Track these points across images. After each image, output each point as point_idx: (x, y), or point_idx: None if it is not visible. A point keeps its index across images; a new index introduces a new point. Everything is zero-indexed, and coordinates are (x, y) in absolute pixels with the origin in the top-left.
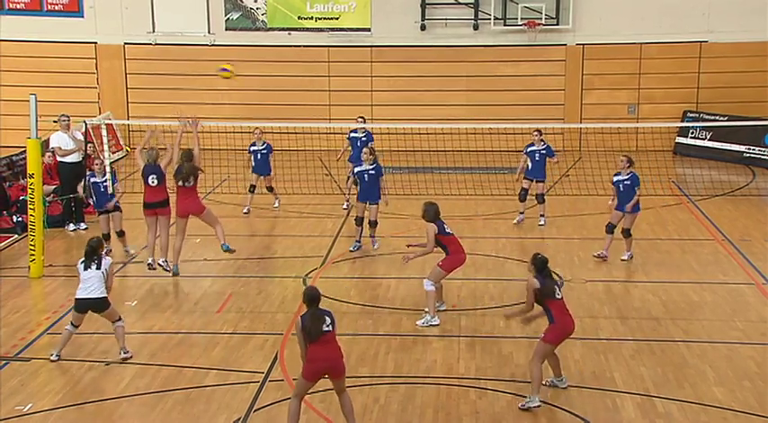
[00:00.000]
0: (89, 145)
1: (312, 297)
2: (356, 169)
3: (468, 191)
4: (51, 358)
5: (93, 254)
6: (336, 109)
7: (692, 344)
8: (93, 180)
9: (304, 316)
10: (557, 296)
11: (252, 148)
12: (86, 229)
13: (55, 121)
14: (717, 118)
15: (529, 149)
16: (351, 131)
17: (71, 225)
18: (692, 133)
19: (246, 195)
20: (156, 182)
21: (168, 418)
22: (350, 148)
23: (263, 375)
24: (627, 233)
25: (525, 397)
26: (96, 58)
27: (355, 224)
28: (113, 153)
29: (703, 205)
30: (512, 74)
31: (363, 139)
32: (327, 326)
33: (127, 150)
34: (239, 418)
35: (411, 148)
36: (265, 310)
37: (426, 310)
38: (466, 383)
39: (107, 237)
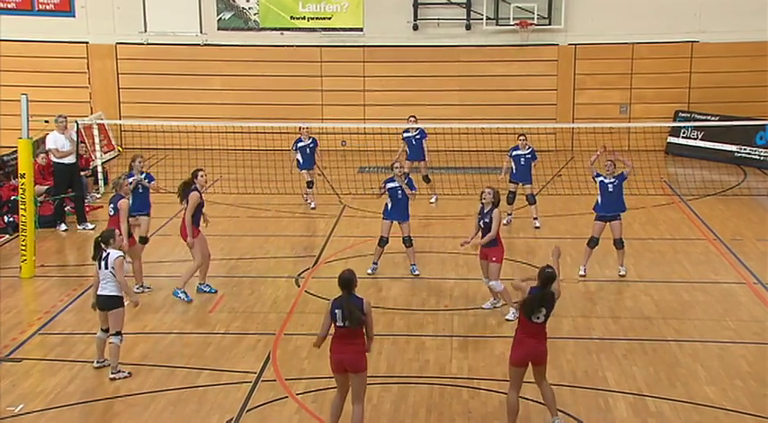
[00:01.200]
0: (81, 145)
1: (346, 281)
2: (388, 185)
3: (460, 191)
4: (95, 366)
5: (97, 249)
6: (329, 109)
7: (684, 343)
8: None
9: (335, 299)
10: (532, 319)
11: (299, 144)
12: (94, 228)
13: (46, 121)
14: (708, 118)
15: (514, 153)
16: (404, 131)
17: (62, 225)
18: (684, 133)
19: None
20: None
21: (160, 419)
22: (406, 148)
23: (256, 375)
24: (619, 244)
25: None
26: (88, 58)
27: (378, 245)
28: (105, 153)
29: (695, 205)
30: (504, 74)
31: (418, 137)
32: (346, 321)
33: (119, 150)
34: (232, 419)
35: (404, 148)
36: (258, 310)
37: (505, 304)
38: (458, 383)
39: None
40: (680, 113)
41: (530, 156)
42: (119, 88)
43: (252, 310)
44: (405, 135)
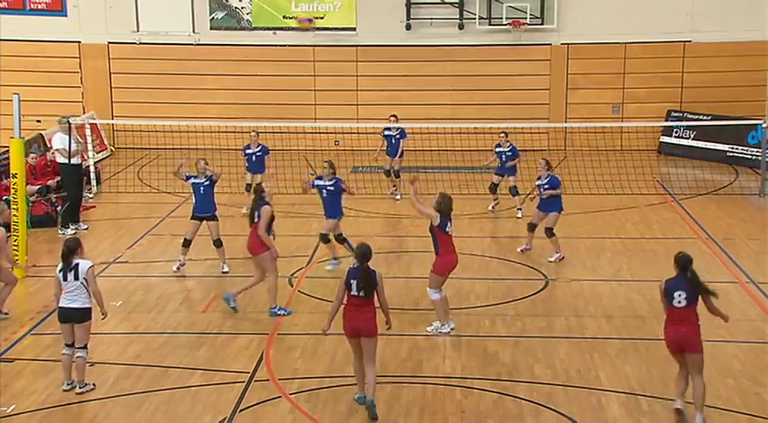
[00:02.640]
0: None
1: (365, 253)
2: (316, 182)
3: (453, 190)
4: (64, 388)
5: (67, 258)
6: (322, 108)
7: None
8: (193, 181)
9: (352, 269)
10: (674, 304)
11: (247, 151)
12: (87, 228)
13: (38, 121)
14: (701, 117)
15: (497, 150)
16: (385, 129)
17: (69, 229)
18: (677, 132)
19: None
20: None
21: (153, 419)
22: (385, 146)
23: (249, 375)
24: (549, 233)
25: (511, 396)
26: (80, 58)
27: (323, 241)
28: (98, 153)
29: (687, 204)
30: (497, 73)
31: (397, 136)
32: (361, 291)
33: (111, 150)
34: (225, 419)
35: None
36: (251, 310)
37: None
38: (452, 383)
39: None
40: (672, 113)
41: (510, 153)
42: (111, 88)
43: (245, 309)
44: (385, 132)
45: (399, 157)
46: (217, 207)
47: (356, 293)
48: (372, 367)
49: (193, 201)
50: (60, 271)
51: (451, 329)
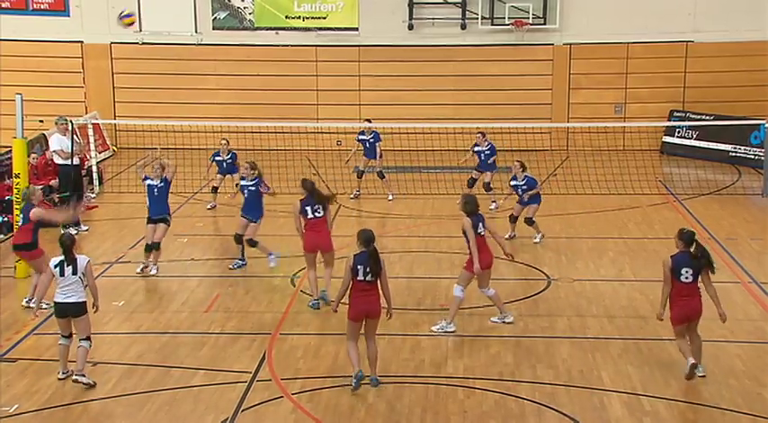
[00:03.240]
0: (76, 145)
1: (369, 239)
2: (242, 182)
3: (455, 190)
4: (59, 377)
5: (69, 253)
6: (324, 108)
7: None
8: (149, 182)
9: (357, 255)
10: (681, 280)
11: (217, 158)
12: (87, 230)
13: (41, 121)
14: (703, 117)
15: (475, 149)
16: (359, 133)
17: (71, 229)
18: (679, 132)
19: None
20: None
21: (155, 419)
22: (361, 148)
23: (251, 375)
24: (530, 221)
25: (513, 396)
26: (83, 58)
27: (235, 241)
28: (100, 153)
29: (690, 204)
30: (499, 73)
31: (371, 140)
32: (370, 274)
33: (113, 150)
34: (227, 419)
35: (398, 148)
36: (253, 309)
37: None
38: (454, 383)
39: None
40: (675, 113)
41: (488, 151)
42: (113, 88)
43: (247, 309)
44: (359, 137)
45: (379, 158)
46: (170, 210)
47: (362, 278)
48: (374, 343)
49: (147, 203)
50: (56, 266)
51: (453, 330)
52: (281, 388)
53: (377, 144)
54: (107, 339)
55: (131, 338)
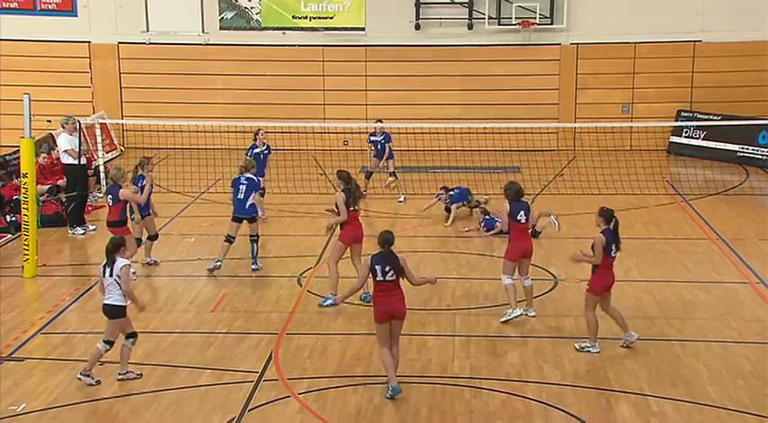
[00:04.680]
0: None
1: (387, 240)
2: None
3: None
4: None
5: (111, 255)
6: (331, 108)
7: (686, 343)
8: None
9: (374, 255)
10: (612, 255)
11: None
12: (94, 229)
13: (49, 121)
14: (711, 117)
15: (371, 139)
16: (371, 134)
17: (78, 229)
18: (686, 132)
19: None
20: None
21: (162, 418)
22: (373, 149)
23: (258, 375)
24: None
25: (520, 396)
26: (90, 58)
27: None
28: (107, 153)
29: (697, 204)
30: (506, 73)
31: (383, 141)
32: (390, 274)
33: (121, 150)
34: (233, 418)
35: (405, 148)
36: (260, 309)
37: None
38: (460, 383)
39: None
40: (682, 113)
41: (383, 140)
42: (121, 88)
43: (254, 309)
44: (371, 139)
45: (389, 159)
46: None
47: (382, 279)
48: (397, 348)
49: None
50: (102, 267)
51: (520, 314)
52: (288, 388)
53: (387, 145)
54: None
55: (139, 338)
